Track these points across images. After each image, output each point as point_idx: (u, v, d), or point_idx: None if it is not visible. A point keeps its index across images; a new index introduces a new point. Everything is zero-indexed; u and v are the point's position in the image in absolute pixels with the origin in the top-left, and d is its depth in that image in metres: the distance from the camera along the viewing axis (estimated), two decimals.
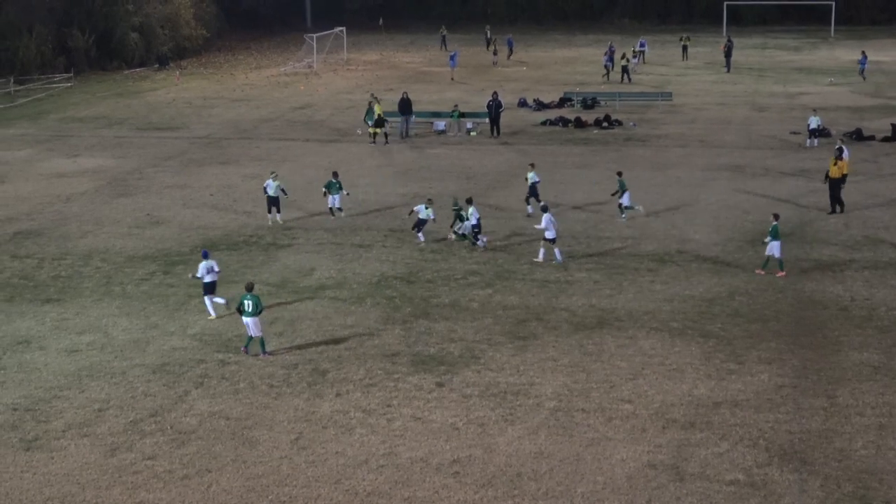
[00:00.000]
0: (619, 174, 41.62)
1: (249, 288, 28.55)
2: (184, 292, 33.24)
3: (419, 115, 60.16)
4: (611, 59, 79.86)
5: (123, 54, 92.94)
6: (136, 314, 31.49)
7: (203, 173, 49.02)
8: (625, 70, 77.58)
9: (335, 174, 41.41)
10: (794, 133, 56.04)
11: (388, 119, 58.38)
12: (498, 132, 57.70)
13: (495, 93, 59.29)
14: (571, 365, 27.20)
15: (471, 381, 26.34)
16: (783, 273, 33.91)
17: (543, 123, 61.37)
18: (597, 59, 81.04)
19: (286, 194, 41.17)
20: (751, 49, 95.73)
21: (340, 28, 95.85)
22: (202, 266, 31.44)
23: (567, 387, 25.89)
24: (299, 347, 28.66)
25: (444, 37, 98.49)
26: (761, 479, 21.52)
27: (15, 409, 25.23)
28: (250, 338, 28.30)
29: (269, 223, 40.80)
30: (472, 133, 58.51)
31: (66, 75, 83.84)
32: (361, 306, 31.78)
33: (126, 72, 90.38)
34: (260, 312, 28.14)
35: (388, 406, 25.03)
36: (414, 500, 21.09)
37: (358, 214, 41.81)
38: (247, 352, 28.24)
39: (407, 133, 58.26)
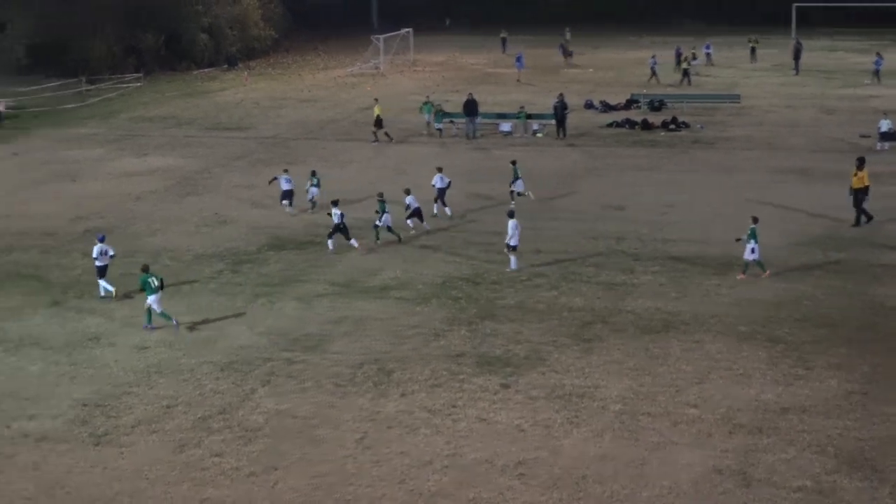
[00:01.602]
0: (513, 162, 44.40)
1: (146, 269, 31.06)
2: (251, 291, 33.53)
3: (484, 116, 60.20)
4: (685, 60, 79.05)
5: (193, 55, 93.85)
6: (204, 312, 31.79)
7: (270, 173, 49.25)
8: (685, 73, 76.99)
9: (380, 195, 39.66)
10: (864, 136, 55.35)
11: (455, 119, 58.75)
12: (564, 133, 57.59)
13: (561, 94, 59.21)
14: (637, 368, 27.10)
15: (536, 382, 26.33)
16: (767, 273, 33.78)
17: (610, 125, 61.14)
18: (664, 62, 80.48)
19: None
20: (819, 51, 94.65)
21: (407, 29, 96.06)
22: (96, 248, 33.36)
23: (632, 390, 25.80)
24: (365, 347, 28.79)
25: (504, 39, 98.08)
26: (829, 486, 21.30)
27: (85, 405, 25.57)
28: (150, 311, 30.57)
29: (286, 211, 42.88)
30: (537, 134, 58.45)
31: (136, 75, 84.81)
32: (427, 307, 31.87)
33: (195, 72, 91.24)
34: (161, 289, 30.73)
35: (453, 407, 25.08)
36: (478, 501, 21.10)
37: (424, 215, 41.86)
38: (178, 325, 30.49)
39: (473, 134, 58.32)
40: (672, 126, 59.79)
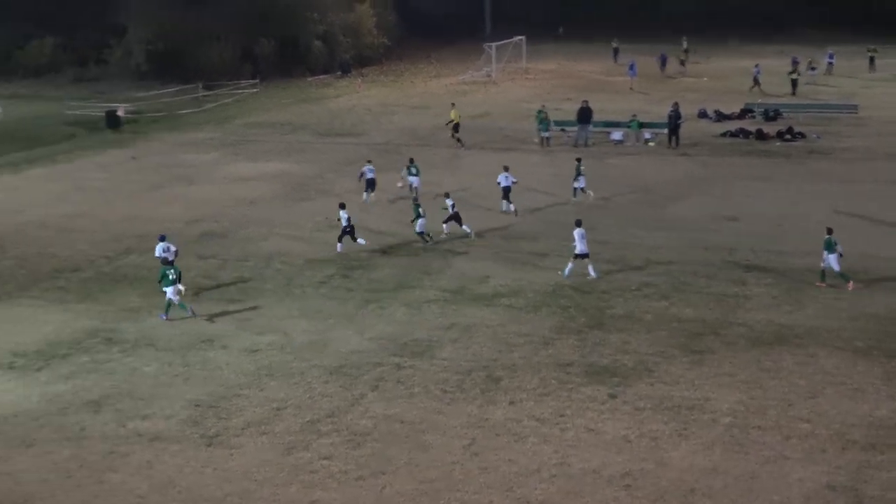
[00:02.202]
0: (578, 160, 46.49)
1: (165, 261, 33.06)
2: (362, 296, 33.78)
3: (595, 124, 59.94)
4: (795, 70, 77.75)
5: (307, 61, 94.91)
6: (314, 316, 32.12)
7: (381, 179, 49.60)
8: (794, 83, 75.65)
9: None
10: None
11: (566, 128, 58.67)
12: (677, 143, 57.07)
13: (676, 103, 58.68)
14: (748, 381, 26.73)
15: (644, 393, 26.12)
16: (850, 284, 33.32)
17: (724, 135, 60.42)
18: (779, 71, 79.29)
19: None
20: None
21: (520, 37, 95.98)
22: (158, 247, 35.13)
23: (743, 403, 25.46)
24: (474, 354, 28.82)
25: (616, 49, 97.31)
26: None
27: (197, 406, 25.98)
28: (170, 303, 32.05)
29: (364, 199, 45.35)
30: (649, 143, 58.01)
31: (251, 81, 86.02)
32: (536, 315, 31.81)
33: (309, 78, 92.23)
34: (179, 281, 32.32)
35: (561, 416, 24.99)
36: None
37: (533, 222, 41.87)
38: (193, 313, 32.17)
39: (585, 142, 58.10)
40: (787, 136, 58.89)
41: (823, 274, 33.85)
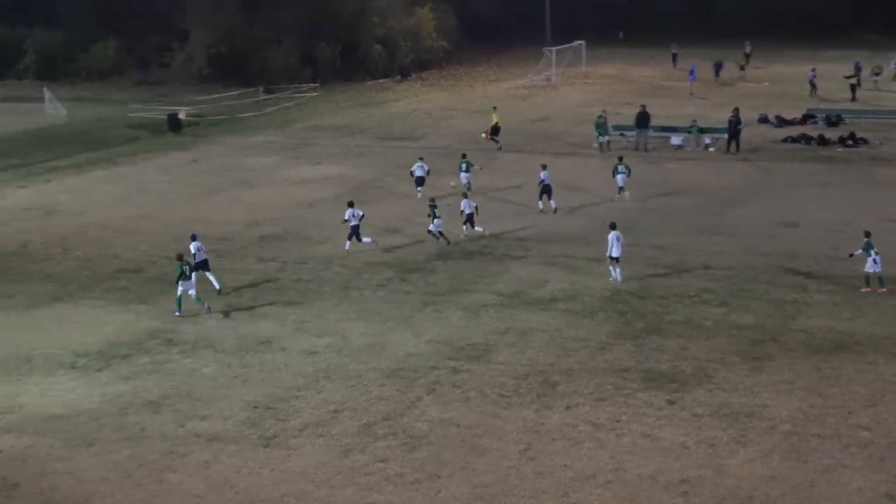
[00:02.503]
0: (620, 158, 47.22)
1: (180, 258, 33.20)
2: (419, 299, 33.86)
3: (655, 129, 59.70)
4: (857, 77, 76.91)
5: (367, 65, 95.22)
6: (372, 319, 32.24)
7: (440, 183, 49.72)
8: (853, 88, 74.81)
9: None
10: None
11: (625, 133, 58.58)
12: (737, 148, 56.69)
13: (736, 108, 58.28)
14: (807, 388, 26.50)
15: (702, 400, 25.97)
16: (883, 290, 33.43)
17: (784, 140, 59.93)
18: (837, 76, 78.48)
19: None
20: None
21: (580, 41, 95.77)
22: (193, 245, 35.29)
23: (802, 411, 25.24)
24: (530, 358, 28.80)
25: (675, 55, 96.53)
26: None
27: (256, 407, 26.16)
28: (198, 297, 32.94)
29: (419, 196, 46.26)
30: (710, 148, 57.68)
31: (311, 85, 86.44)
32: (593, 320, 31.73)
33: (369, 82, 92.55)
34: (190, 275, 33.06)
35: (618, 421, 24.91)
36: None
37: (591, 227, 41.74)
38: (209, 309, 33.03)
39: (645, 147, 57.91)
40: (850, 142, 58.33)
41: (873, 279, 33.77)
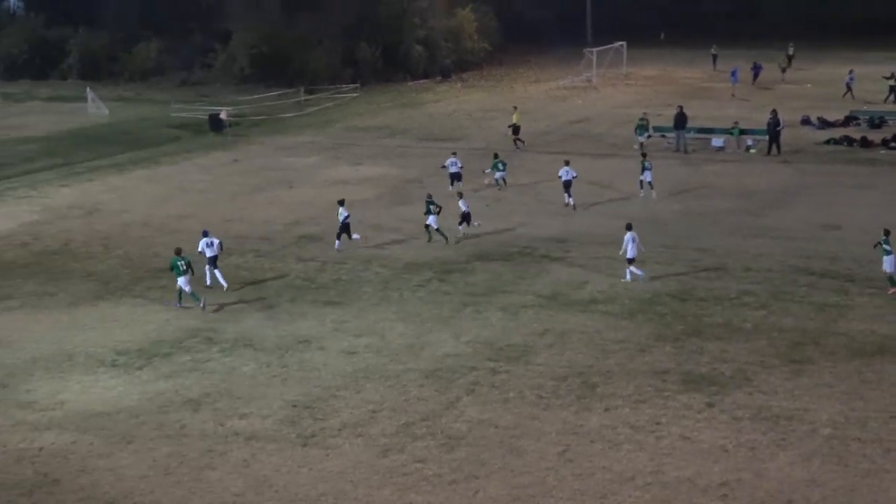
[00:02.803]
0: (644, 155, 48.16)
1: (178, 252, 33.91)
2: (458, 300, 33.87)
3: (696, 130, 59.45)
4: (893, 76, 76.12)
5: (408, 66, 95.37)
6: (411, 319, 32.28)
7: (480, 184, 49.75)
8: (892, 90, 74.10)
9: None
10: None
11: (665, 134, 58.40)
12: (778, 150, 56.34)
13: (774, 110, 57.90)
14: (848, 392, 26.30)
15: (742, 402, 25.84)
16: (892, 291, 33.43)
17: (827, 142, 59.51)
18: (875, 77, 77.78)
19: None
20: None
21: (621, 42, 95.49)
22: (202, 242, 35.88)
23: (843, 414, 25.06)
24: (569, 360, 28.75)
25: (714, 56, 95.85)
26: None
27: (294, 406, 26.25)
28: (193, 294, 33.44)
29: (450, 190, 47.07)
30: (751, 150, 57.39)
31: (352, 86, 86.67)
32: (632, 322, 31.63)
33: (410, 83, 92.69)
34: (190, 272, 33.65)
35: (657, 424, 24.82)
36: None
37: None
38: (204, 307, 33.38)
39: (684, 149, 57.70)
40: (893, 144, 57.82)
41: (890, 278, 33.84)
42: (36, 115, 77.61)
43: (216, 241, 36.01)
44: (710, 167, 53.91)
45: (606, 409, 25.63)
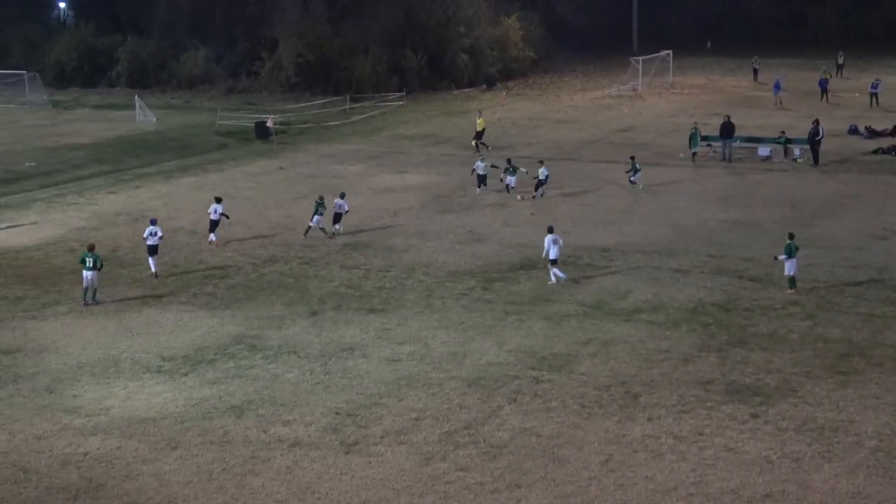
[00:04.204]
0: (632, 158, 51.67)
1: (91, 248, 35.37)
2: (501, 308, 33.86)
3: (742, 140, 59.17)
4: None
5: (453, 75, 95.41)
6: (454, 327, 32.30)
7: (524, 193, 49.71)
8: None
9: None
10: None
11: (711, 143, 58.19)
12: (816, 161, 55.80)
13: (816, 120, 57.49)
14: (895, 404, 26.06)
15: (787, 413, 25.67)
16: (792, 291, 34.26)
17: (875, 152, 59.00)
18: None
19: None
20: None
21: (667, 51, 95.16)
22: (147, 230, 38.50)
23: (889, 426, 24.84)
24: (612, 369, 28.66)
25: (755, 69, 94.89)
26: None
27: (337, 413, 26.33)
28: (87, 289, 34.89)
29: (477, 192, 50.31)
30: (798, 160, 57.01)
31: (398, 94, 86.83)
32: (676, 331, 31.50)
33: (455, 92, 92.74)
34: (100, 268, 35.15)
35: (700, 434, 24.71)
36: None
37: (675, 238, 41.50)
38: (87, 303, 34.91)
39: (729, 157, 57.43)
40: None
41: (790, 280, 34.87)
42: (85, 122, 78.29)
43: (160, 233, 38.73)
44: (756, 176, 53.61)
45: (649, 419, 25.55)
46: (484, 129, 63.61)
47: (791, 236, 35.20)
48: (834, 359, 29.05)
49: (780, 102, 77.88)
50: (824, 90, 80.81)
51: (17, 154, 63.86)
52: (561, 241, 36.60)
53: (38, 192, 54.29)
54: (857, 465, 23.05)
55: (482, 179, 50.97)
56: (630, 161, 51.33)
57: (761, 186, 51.27)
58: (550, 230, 36.71)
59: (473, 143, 62.99)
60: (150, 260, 38.34)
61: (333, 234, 43.22)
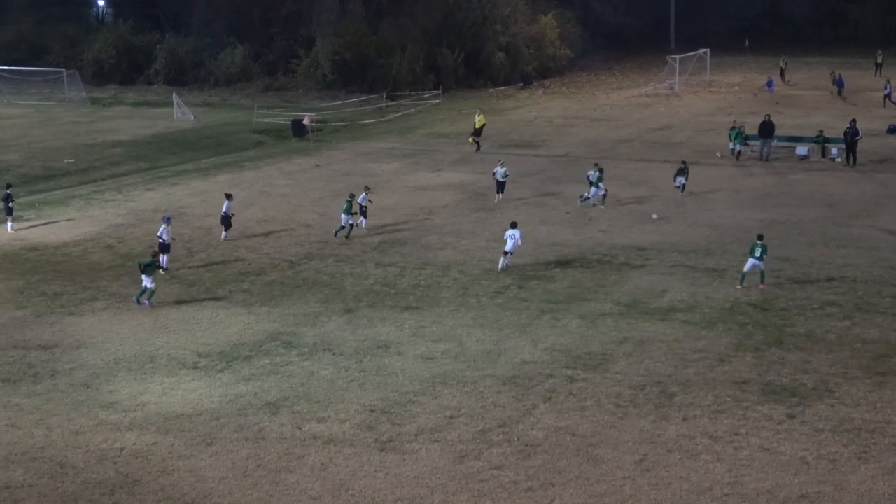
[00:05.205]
0: (683, 162, 50.17)
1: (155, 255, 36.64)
2: (536, 307, 33.81)
3: (780, 139, 58.89)
4: None
5: (489, 73, 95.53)
6: (489, 326, 32.27)
7: (560, 191, 49.66)
8: None
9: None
10: None
11: (749, 142, 57.95)
12: (854, 160, 55.42)
13: (854, 119, 57.16)
14: None
15: (823, 414, 25.51)
16: (741, 287, 35.00)
17: None
18: None
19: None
20: None
21: (704, 50, 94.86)
22: (161, 228, 39.18)
23: None
24: (647, 369, 28.57)
25: (782, 70, 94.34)
26: None
27: (372, 411, 26.36)
28: (144, 289, 34.82)
29: (496, 202, 48.61)
30: (836, 160, 56.65)
31: (434, 92, 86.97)
32: (713, 331, 31.36)
33: (491, 90, 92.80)
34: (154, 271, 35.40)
35: (736, 434, 24.58)
36: None
37: (712, 238, 41.34)
38: (138, 303, 34.83)
39: (767, 157, 57.16)
40: None
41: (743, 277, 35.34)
42: (123, 119, 78.82)
43: (166, 236, 39.06)
44: (794, 176, 53.33)
45: (685, 419, 25.44)
46: (483, 126, 63.46)
47: (760, 237, 35.56)
48: (871, 359, 28.84)
49: (844, 96, 77.38)
50: (840, 88, 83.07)
51: (56, 151, 64.31)
52: (518, 237, 37.70)
53: (77, 188, 54.73)
54: (894, 467, 22.87)
55: (501, 186, 49.01)
56: (681, 164, 50.05)
57: (799, 186, 51.00)
58: (514, 225, 38.20)
59: (470, 139, 63.05)
60: (162, 257, 38.50)
61: (358, 226, 43.89)
